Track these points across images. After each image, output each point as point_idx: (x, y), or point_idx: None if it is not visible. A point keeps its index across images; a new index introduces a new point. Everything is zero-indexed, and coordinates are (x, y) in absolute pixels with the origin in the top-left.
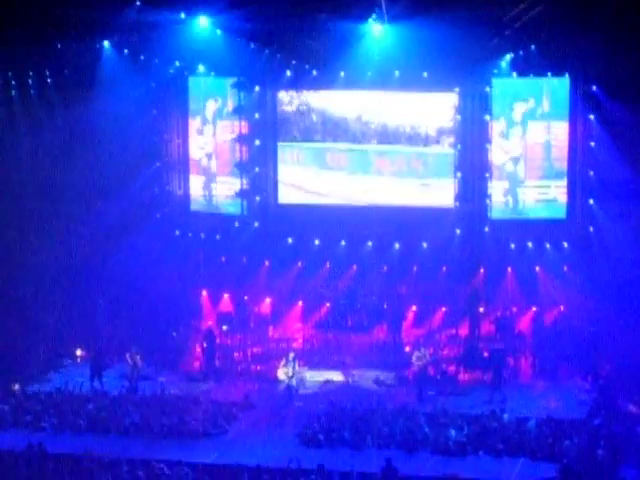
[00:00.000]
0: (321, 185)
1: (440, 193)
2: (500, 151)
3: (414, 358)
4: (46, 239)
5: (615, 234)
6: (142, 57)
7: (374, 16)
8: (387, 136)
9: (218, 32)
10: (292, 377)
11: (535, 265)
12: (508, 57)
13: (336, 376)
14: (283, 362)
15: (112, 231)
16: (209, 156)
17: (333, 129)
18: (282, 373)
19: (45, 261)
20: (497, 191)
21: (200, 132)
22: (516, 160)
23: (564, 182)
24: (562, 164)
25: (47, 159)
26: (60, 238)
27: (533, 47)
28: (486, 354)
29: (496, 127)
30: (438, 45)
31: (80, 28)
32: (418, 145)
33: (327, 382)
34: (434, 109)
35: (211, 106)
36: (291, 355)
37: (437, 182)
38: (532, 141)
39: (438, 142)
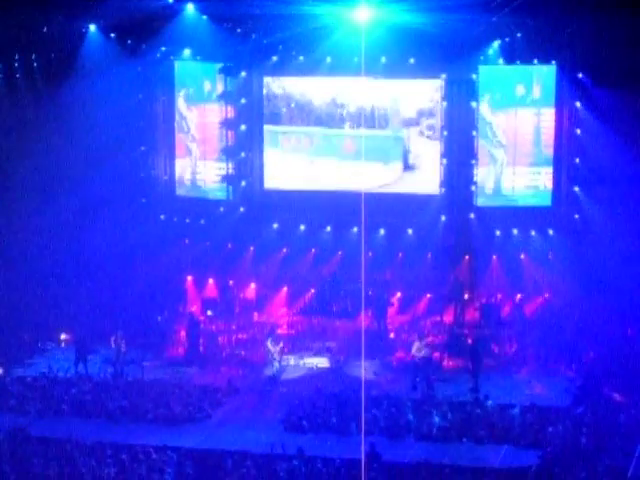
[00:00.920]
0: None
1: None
2: (499, 130)
3: (414, 349)
4: (30, 223)
5: (600, 221)
6: (129, 41)
7: (362, 1)
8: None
9: (204, 17)
10: (275, 360)
11: (520, 252)
12: (495, 44)
13: (320, 362)
14: (269, 343)
15: (97, 215)
16: (195, 140)
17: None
18: (274, 351)
19: (29, 245)
20: (483, 177)
21: (186, 116)
22: (505, 146)
23: (545, 169)
24: (542, 150)
25: (32, 142)
26: (45, 222)
27: (519, 34)
28: (470, 341)
29: (485, 111)
30: (425, 32)
31: (67, 12)
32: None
33: (311, 368)
34: (420, 95)
35: (196, 91)
36: (268, 341)
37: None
38: (522, 128)
39: (418, 124)
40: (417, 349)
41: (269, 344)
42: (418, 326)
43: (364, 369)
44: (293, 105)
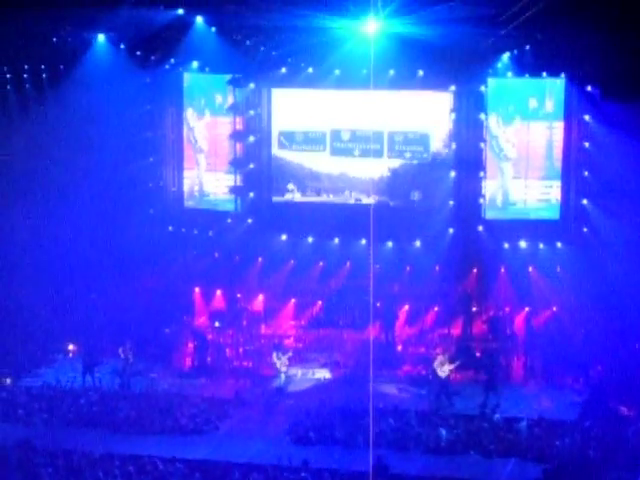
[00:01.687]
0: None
1: None
2: (507, 144)
3: (436, 363)
4: (38, 234)
5: (609, 235)
6: (138, 52)
7: (370, 14)
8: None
9: (213, 30)
10: (282, 372)
11: (528, 265)
12: (504, 57)
13: (327, 374)
14: (274, 357)
15: (105, 226)
16: (204, 152)
17: None
18: (280, 364)
19: (38, 256)
20: (493, 190)
21: (194, 128)
22: (511, 159)
23: (554, 182)
24: (551, 164)
25: (41, 154)
26: (53, 233)
27: (528, 47)
28: (478, 354)
29: (495, 124)
30: (434, 44)
31: (76, 22)
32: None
33: (318, 380)
34: (429, 108)
35: (206, 103)
36: (274, 354)
37: None
38: (533, 141)
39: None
40: (440, 363)
41: (274, 357)
42: (426, 339)
43: (387, 384)
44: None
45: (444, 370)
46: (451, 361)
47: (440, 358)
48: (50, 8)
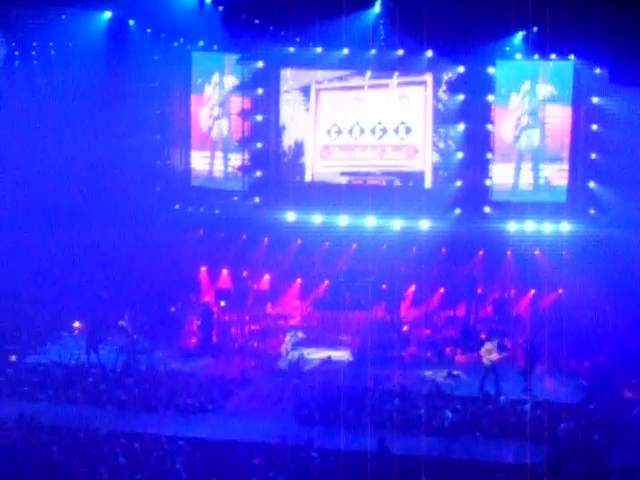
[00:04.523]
0: None
1: None
2: (516, 126)
3: (483, 351)
4: (45, 208)
5: (615, 218)
6: (148, 30)
7: None
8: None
9: (221, 8)
10: (293, 352)
11: (534, 248)
12: (512, 38)
13: (333, 354)
14: (289, 337)
15: (111, 203)
16: (211, 131)
17: None
18: (288, 344)
19: (43, 233)
20: (500, 172)
21: (202, 107)
22: (521, 142)
23: (560, 165)
24: (558, 147)
25: (47, 130)
26: (59, 208)
27: (537, 29)
28: (483, 336)
29: (503, 105)
30: (442, 25)
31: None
32: None
33: (323, 360)
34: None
35: (214, 81)
36: (299, 333)
37: None
38: (539, 123)
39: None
40: (487, 351)
41: (288, 336)
42: (431, 321)
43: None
44: None
45: (492, 358)
46: (500, 349)
47: (488, 345)
48: None
